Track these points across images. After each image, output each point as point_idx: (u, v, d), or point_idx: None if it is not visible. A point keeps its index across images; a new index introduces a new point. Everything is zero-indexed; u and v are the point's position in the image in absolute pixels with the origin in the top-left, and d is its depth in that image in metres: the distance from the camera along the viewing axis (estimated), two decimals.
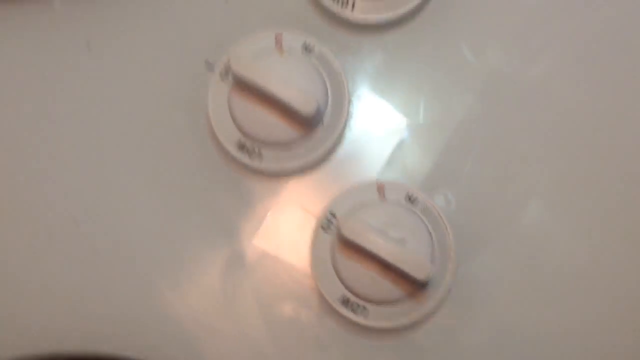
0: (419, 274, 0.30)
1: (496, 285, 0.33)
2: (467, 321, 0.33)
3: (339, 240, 0.31)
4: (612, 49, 0.34)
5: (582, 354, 0.33)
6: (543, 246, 0.33)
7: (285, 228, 0.34)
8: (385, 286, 0.31)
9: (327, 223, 0.32)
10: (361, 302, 0.32)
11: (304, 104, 0.31)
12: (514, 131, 0.34)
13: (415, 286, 0.31)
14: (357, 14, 0.33)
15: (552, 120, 0.34)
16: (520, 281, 0.33)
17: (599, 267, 0.33)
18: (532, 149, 0.34)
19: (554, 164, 0.34)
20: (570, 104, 0.34)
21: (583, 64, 0.34)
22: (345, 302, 0.32)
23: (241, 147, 0.33)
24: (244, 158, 0.33)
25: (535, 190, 0.34)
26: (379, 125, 0.34)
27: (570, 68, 0.34)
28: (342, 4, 0.33)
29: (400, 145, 0.34)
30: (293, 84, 0.31)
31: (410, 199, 0.32)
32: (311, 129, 0.33)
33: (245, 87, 0.32)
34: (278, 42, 0.33)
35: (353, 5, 0.33)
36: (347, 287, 0.32)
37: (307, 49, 0.33)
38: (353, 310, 0.32)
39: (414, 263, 0.30)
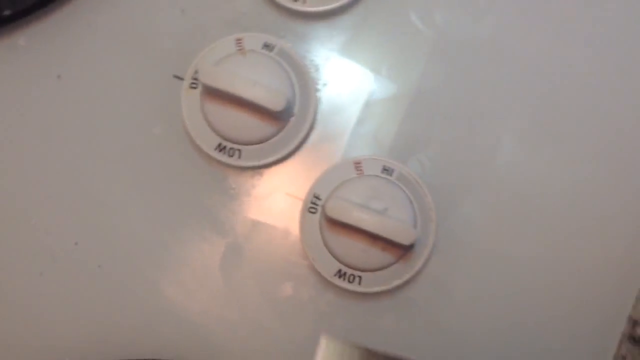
0: (404, 239, 0.32)
1: (480, 229, 0.36)
2: (455, 269, 0.36)
3: (325, 220, 0.34)
4: None
5: (571, 279, 0.36)
6: (519, 182, 0.36)
7: (274, 214, 0.36)
8: (375, 255, 0.33)
9: (312, 205, 0.35)
10: (355, 272, 0.34)
11: (273, 101, 0.33)
12: (472, 86, 0.37)
13: (403, 250, 0.34)
14: (309, 6, 0.35)
15: (505, 70, 0.37)
16: (502, 220, 0.36)
17: (577, 189, 0.36)
18: (492, 99, 0.36)
19: (515, 107, 0.36)
20: (519, 53, 0.37)
21: (526, 16, 0.37)
22: (341, 274, 0.34)
23: (221, 149, 0.35)
24: (225, 158, 0.35)
25: (502, 134, 0.36)
26: (347, 105, 0.36)
27: (515, 21, 0.37)
28: None
29: (369, 121, 0.36)
30: (260, 83, 0.33)
31: (387, 170, 0.35)
32: (284, 122, 0.35)
33: (216, 94, 0.34)
34: (239, 45, 0.35)
35: None
36: (340, 261, 0.34)
37: (267, 47, 0.35)
38: (349, 281, 0.34)
39: (399, 230, 0.32)
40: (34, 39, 0.37)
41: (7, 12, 0.36)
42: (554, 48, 0.37)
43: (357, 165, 0.35)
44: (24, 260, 0.37)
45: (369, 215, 0.32)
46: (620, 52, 0.36)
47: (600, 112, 0.36)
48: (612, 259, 0.36)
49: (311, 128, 0.36)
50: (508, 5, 0.37)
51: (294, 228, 0.36)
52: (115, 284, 0.36)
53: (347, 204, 0.33)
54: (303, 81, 0.35)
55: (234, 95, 0.33)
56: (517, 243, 0.36)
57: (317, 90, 0.36)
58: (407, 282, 0.35)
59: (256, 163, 0.35)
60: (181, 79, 0.36)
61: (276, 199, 0.36)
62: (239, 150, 0.35)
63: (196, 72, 0.35)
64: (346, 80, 0.37)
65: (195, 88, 0.35)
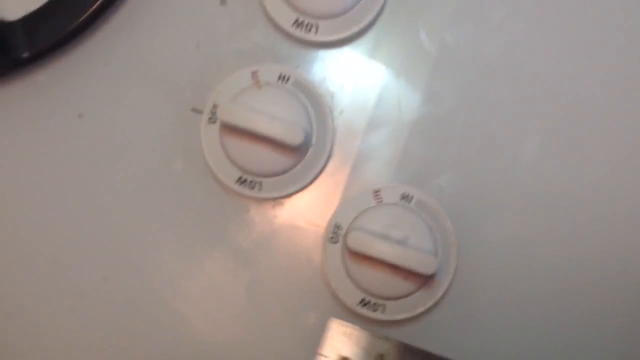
0: (425, 269, 0.32)
1: (502, 251, 0.36)
2: (479, 293, 0.36)
3: (347, 250, 0.34)
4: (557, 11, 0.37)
5: (599, 298, 0.36)
6: (541, 200, 0.36)
7: (296, 244, 0.37)
8: (398, 283, 0.34)
9: (334, 235, 0.35)
10: (379, 301, 0.34)
11: (291, 136, 0.33)
12: (488, 106, 0.36)
13: (425, 277, 0.34)
14: (321, 36, 0.36)
15: (519, 88, 0.36)
16: (525, 240, 0.36)
17: (603, 204, 0.36)
18: (508, 118, 0.36)
19: (532, 125, 0.36)
20: (532, 68, 0.36)
21: (538, 28, 0.37)
22: (364, 303, 0.35)
23: (242, 182, 0.35)
24: (246, 191, 0.35)
25: (520, 153, 0.36)
26: (363, 132, 0.36)
27: (527, 35, 0.37)
28: (306, 29, 0.35)
29: (387, 146, 0.36)
30: (277, 119, 0.33)
31: (406, 197, 0.35)
32: (303, 153, 0.35)
33: (235, 129, 0.34)
34: (255, 78, 0.35)
35: (317, 29, 0.35)
36: (363, 290, 0.34)
37: (283, 78, 0.35)
38: (372, 310, 0.35)
39: (420, 261, 0.32)
40: (53, 77, 0.38)
41: (25, 54, 0.36)
42: (568, 64, 0.36)
43: (376, 193, 0.35)
44: (54, 297, 0.37)
45: (390, 247, 0.32)
46: (635, 69, 0.36)
47: (622, 125, 0.36)
48: None
49: (329, 157, 0.36)
50: (518, 19, 0.37)
51: (316, 257, 0.36)
52: (141, 318, 0.37)
53: (368, 236, 0.33)
54: (319, 110, 0.36)
55: (252, 132, 0.33)
56: (541, 262, 0.36)
57: (333, 118, 0.36)
58: (430, 309, 0.35)
59: (277, 194, 0.36)
60: (200, 112, 0.36)
61: (297, 229, 0.36)
62: (260, 182, 0.35)
63: (214, 106, 0.35)
64: (362, 107, 0.37)
65: (214, 122, 0.35)
